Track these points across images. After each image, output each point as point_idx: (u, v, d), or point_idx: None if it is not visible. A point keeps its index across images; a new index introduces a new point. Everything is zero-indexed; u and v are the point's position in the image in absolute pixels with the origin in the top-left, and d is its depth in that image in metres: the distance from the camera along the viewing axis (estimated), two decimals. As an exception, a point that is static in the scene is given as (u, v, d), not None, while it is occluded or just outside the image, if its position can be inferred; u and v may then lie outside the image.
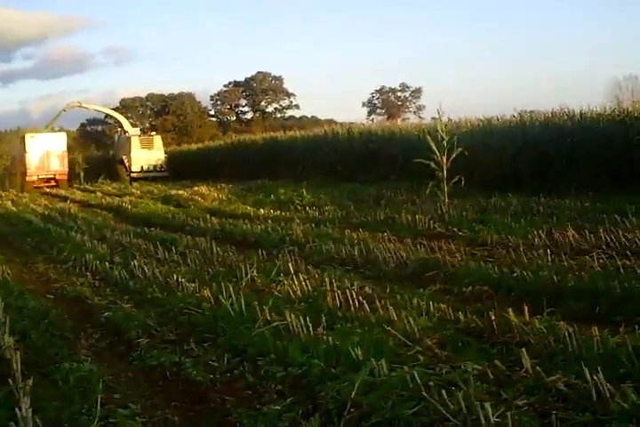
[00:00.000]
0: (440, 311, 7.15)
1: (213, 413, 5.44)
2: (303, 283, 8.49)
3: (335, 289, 7.92)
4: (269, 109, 71.47)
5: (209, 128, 62.87)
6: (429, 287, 8.77)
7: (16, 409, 4.68)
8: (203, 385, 5.93)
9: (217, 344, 6.86)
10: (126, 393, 5.85)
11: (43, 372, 6.25)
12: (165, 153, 39.65)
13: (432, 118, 23.45)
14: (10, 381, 5.41)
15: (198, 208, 21.09)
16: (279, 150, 31.10)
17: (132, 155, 38.26)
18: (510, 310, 6.44)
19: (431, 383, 4.94)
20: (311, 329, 6.51)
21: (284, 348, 6.17)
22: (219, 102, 70.72)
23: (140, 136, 40.05)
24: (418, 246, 11.19)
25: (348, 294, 7.55)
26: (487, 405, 4.32)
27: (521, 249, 10.05)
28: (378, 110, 72.02)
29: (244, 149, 34.25)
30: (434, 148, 14.61)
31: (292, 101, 70.98)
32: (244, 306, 7.42)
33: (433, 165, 14.87)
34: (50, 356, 6.78)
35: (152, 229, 16.54)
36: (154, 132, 43.00)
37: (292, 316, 6.77)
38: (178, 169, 37.72)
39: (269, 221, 16.14)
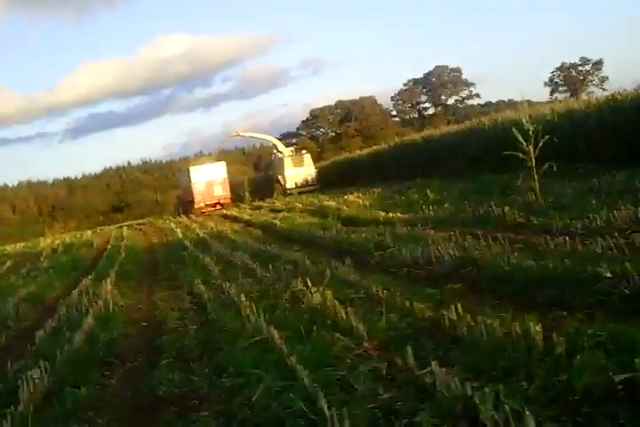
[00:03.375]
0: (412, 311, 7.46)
1: None
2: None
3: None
4: (450, 102, 71.02)
5: (392, 128, 63.67)
6: (449, 286, 8.97)
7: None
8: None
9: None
10: None
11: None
12: (316, 168, 43.97)
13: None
14: None
15: (338, 217, 21.91)
16: (435, 148, 31.18)
17: (286, 173, 42.53)
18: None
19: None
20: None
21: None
22: (399, 102, 71.35)
23: (292, 156, 43.93)
24: (483, 241, 11.22)
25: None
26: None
27: (565, 238, 9.81)
28: (560, 88, 69.06)
29: (405, 150, 34.67)
30: (520, 138, 14.38)
31: (471, 91, 70.18)
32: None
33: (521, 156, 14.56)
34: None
35: (275, 245, 17.58)
36: (304, 151, 46.84)
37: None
38: (345, 175, 39.18)
39: (389, 226, 16.53)
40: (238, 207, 40.95)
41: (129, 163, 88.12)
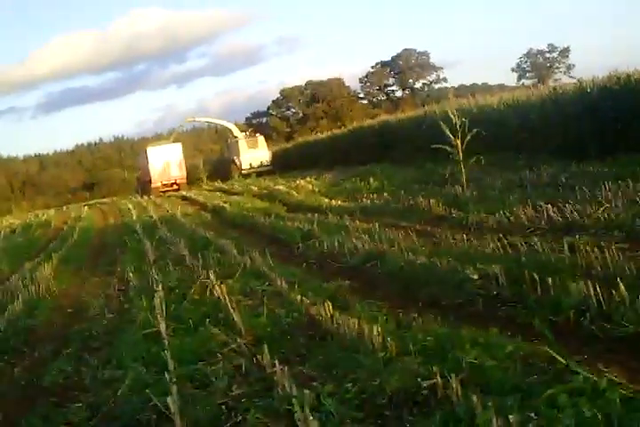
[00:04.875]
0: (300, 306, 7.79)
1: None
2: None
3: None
4: (417, 86, 71.31)
5: (359, 111, 63.85)
6: (346, 281, 9.32)
7: None
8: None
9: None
10: None
11: None
12: (280, 150, 46.55)
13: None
14: None
15: (284, 203, 22.21)
16: (390, 133, 31.44)
17: (242, 155, 44.35)
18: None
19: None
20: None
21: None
22: (368, 84, 71.50)
23: (246, 139, 45.51)
24: (400, 234, 11.57)
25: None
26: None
27: (464, 234, 10.18)
28: (528, 74, 69.70)
29: (362, 135, 34.94)
30: (447, 132, 14.70)
31: (439, 75, 70.54)
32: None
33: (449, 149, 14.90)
34: None
35: (215, 231, 17.87)
36: (257, 134, 47.85)
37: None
38: (307, 158, 39.77)
39: (325, 214, 16.85)
40: (199, 188, 41.28)
41: (101, 140, 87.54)
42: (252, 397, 5.44)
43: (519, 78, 68.92)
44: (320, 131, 53.78)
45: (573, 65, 68.57)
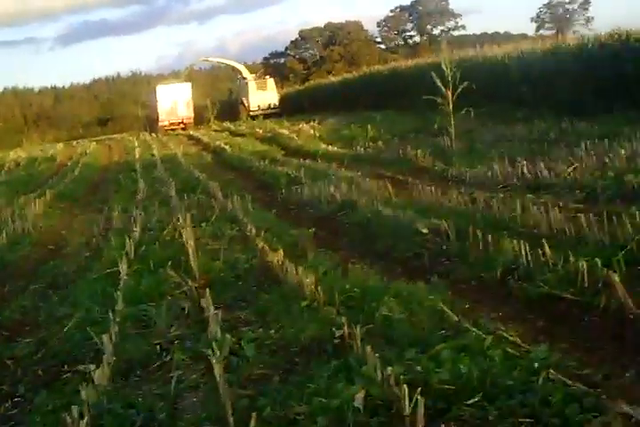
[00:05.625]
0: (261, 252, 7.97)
1: None
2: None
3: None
4: (436, 32, 70.15)
5: (376, 55, 63.03)
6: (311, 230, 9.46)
7: None
8: None
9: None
10: None
11: None
12: (279, 93, 45.94)
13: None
14: None
15: (283, 147, 22.27)
16: (399, 80, 31.13)
17: (250, 97, 44.11)
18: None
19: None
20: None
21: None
22: (386, 29, 70.38)
23: (255, 80, 45.27)
24: (378, 184, 11.66)
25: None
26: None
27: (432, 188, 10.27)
28: (546, 25, 68.41)
29: (371, 80, 34.64)
30: (438, 83, 14.61)
31: (457, 22, 69.31)
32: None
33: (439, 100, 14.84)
34: None
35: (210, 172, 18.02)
36: (267, 76, 47.49)
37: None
38: (317, 101, 39.72)
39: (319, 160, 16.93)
40: (207, 128, 41.37)
41: (118, 74, 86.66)
42: (186, 339, 5.65)
43: (538, 29, 67.79)
44: (335, 74, 53.33)
45: (592, 18, 67.51)
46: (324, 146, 20.39)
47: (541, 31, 66.88)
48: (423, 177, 12.60)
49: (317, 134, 24.41)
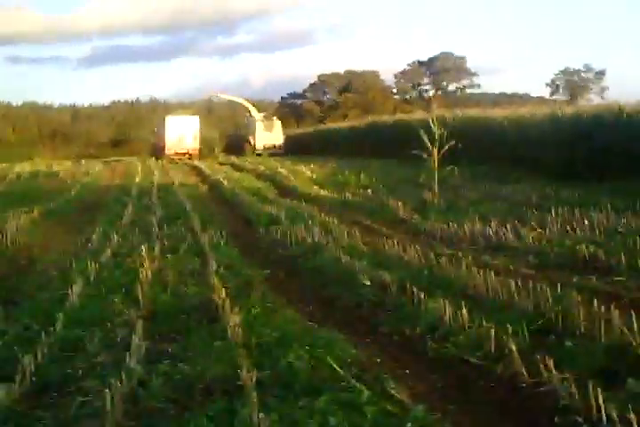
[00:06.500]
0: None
1: None
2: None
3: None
4: (451, 88, 71.39)
5: (391, 105, 63.89)
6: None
7: None
8: None
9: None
10: None
11: None
12: (284, 135, 46.97)
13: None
14: None
15: (279, 186, 22.52)
16: (403, 131, 31.47)
17: (257, 136, 45.80)
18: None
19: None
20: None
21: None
22: (402, 81, 71.58)
23: (263, 121, 46.75)
24: (353, 232, 11.81)
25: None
26: None
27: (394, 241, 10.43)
28: (561, 90, 69.65)
29: (377, 129, 35.16)
30: (425, 140, 14.93)
31: (473, 81, 70.62)
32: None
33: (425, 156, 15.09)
34: None
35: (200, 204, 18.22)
36: (274, 117, 48.55)
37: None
38: (326, 144, 41.16)
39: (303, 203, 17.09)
40: (214, 160, 42.05)
41: (138, 99, 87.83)
42: (108, 366, 5.74)
43: (552, 93, 69.04)
44: (350, 119, 54.06)
45: (607, 87, 68.69)
46: (315, 189, 20.62)
47: (555, 96, 67.95)
48: (398, 228, 12.79)
49: (314, 177, 24.68)
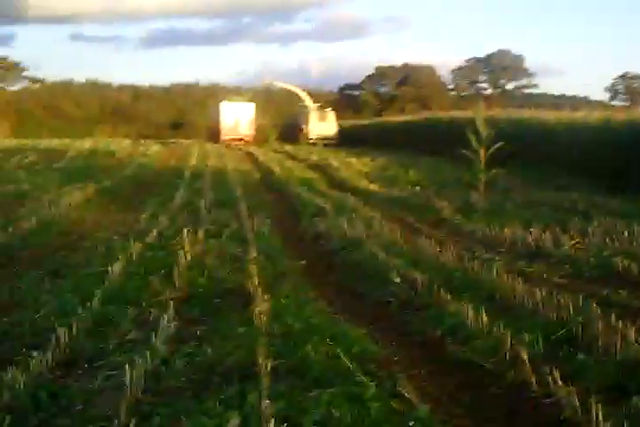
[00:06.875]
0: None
1: None
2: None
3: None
4: (509, 87, 70.53)
5: (449, 101, 63.46)
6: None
7: None
8: None
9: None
10: None
11: None
12: (339, 125, 47.25)
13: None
14: None
15: (330, 178, 22.68)
16: (458, 129, 31.29)
17: (310, 125, 46.26)
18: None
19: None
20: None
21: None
22: (458, 77, 71.04)
23: (317, 111, 47.34)
24: (394, 229, 11.93)
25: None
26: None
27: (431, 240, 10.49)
28: (620, 95, 68.44)
29: (432, 126, 35.01)
30: (472, 140, 14.94)
31: (530, 81, 69.77)
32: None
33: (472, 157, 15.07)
34: None
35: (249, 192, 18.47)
36: (329, 108, 48.79)
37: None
38: (379, 138, 41.22)
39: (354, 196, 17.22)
40: (269, 147, 42.48)
41: (197, 82, 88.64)
42: (137, 344, 5.99)
43: (611, 99, 68.06)
44: (407, 113, 53.88)
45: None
46: (365, 183, 20.71)
47: (615, 101, 66.84)
48: (440, 228, 12.83)
49: (365, 170, 24.75)
